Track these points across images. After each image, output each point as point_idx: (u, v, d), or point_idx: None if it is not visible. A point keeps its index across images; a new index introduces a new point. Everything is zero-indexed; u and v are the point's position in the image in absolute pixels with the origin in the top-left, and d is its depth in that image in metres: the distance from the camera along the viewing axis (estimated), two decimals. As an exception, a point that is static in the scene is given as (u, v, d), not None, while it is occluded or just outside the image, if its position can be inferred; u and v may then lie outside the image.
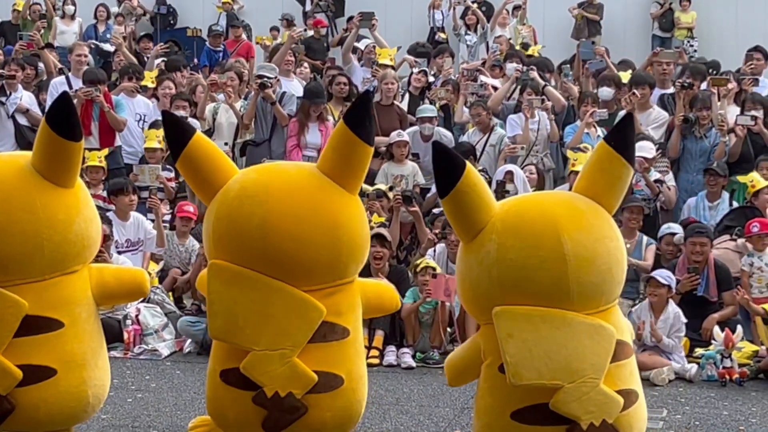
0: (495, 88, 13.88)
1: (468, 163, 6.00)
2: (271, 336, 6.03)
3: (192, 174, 6.34)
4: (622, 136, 6.03)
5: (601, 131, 12.45)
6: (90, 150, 12.01)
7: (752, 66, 13.71)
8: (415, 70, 14.72)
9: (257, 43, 17.94)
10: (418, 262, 10.30)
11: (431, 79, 14.70)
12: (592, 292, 5.86)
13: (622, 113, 12.62)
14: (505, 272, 5.83)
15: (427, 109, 13.12)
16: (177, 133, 6.25)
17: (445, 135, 13.05)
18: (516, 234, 5.86)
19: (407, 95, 14.29)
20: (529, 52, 15.73)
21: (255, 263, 6.07)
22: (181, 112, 13.02)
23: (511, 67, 14.33)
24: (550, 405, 5.75)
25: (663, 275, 9.53)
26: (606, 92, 13.07)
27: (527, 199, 6.47)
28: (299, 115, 12.79)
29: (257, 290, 6.07)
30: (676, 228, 10.73)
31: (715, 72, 14.11)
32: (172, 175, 12.43)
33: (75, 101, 12.65)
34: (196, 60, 17.71)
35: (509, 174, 11.59)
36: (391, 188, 11.64)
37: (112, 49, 16.38)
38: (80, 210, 6.35)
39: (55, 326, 6.21)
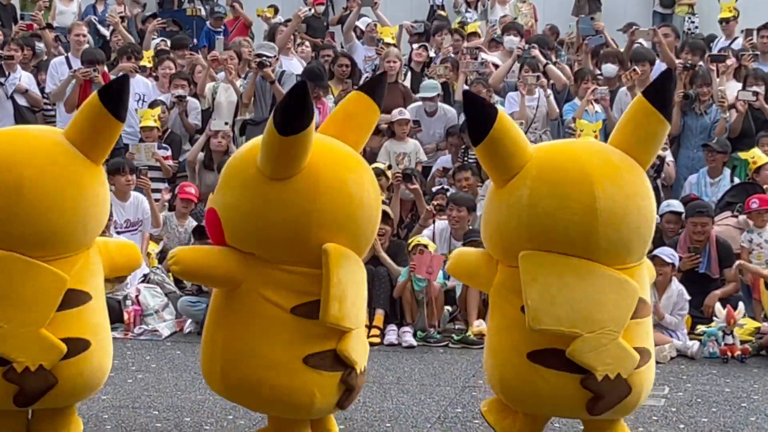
0: (495, 66, 13.81)
1: (500, 109, 6.05)
2: None
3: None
4: (661, 92, 6.09)
5: (599, 108, 12.42)
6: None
7: (765, 42, 13.60)
8: (416, 46, 14.69)
9: (258, 15, 17.86)
10: (411, 240, 10.32)
11: (432, 54, 14.67)
12: (620, 248, 5.93)
13: (623, 90, 12.64)
14: (535, 219, 5.89)
15: (429, 87, 13.07)
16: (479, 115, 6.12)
17: (449, 110, 13.03)
18: (549, 182, 5.92)
19: (409, 73, 14.25)
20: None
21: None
22: (179, 91, 13.03)
23: (508, 40, 14.30)
24: (567, 353, 5.80)
25: (667, 253, 9.50)
26: (610, 69, 13.03)
27: (563, 147, 6.50)
28: None
29: None
30: (676, 205, 10.70)
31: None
32: (169, 153, 12.41)
33: (73, 81, 12.68)
34: (195, 40, 17.63)
35: None
36: (389, 167, 11.62)
37: (107, 31, 16.30)
38: (106, 186, 6.49)
39: (86, 299, 6.28)
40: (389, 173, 11.35)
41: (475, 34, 15.29)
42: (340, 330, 6.09)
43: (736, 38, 14.64)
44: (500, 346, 6.11)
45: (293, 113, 5.83)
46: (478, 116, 6.00)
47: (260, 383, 6.13)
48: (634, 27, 14.48)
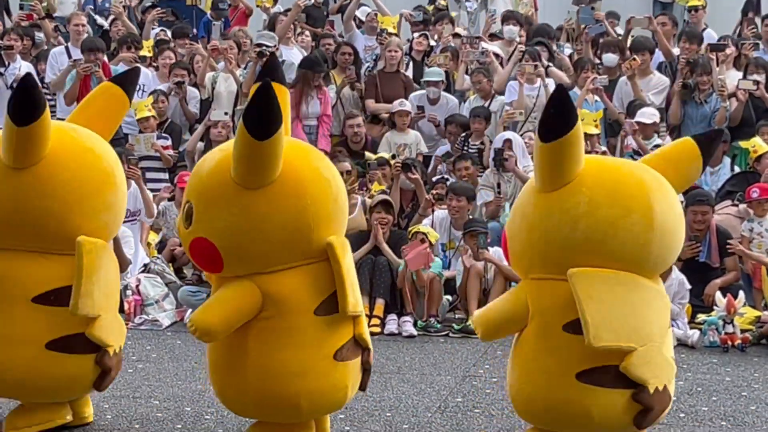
0: (497, 55, 13.77)
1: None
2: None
3: None
4: (710, 146, 6.25)
5: (599, 97, 12.43)
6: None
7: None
8: (416, 35, 14.67)
9: (257, 5, 17.82)
10: (411, 228, 10.33)
11: (432, 43, 14.66)
12: (663, 263, 6.02)
13: (623, 79, 12.63)
14: (594, 226, 5.79)
15: (434, 73, 13.10)
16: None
17: (451, 99, 13.03)
18: (608, 192, 5.86)
19: (411, 62, 14.24)
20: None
21: None
22: (178, 78, 13.03)
23: (507, 29, 14.30)
24: (621, 368, 5.75)
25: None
26: (610, 58, 13.02)
27: (612, 162, 6.51)
28: (299, 85, 12.73)
29: None
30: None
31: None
32: (169, 143, 12.40)
33: (73, 72, 12.66)
34: (195, 30, 17.59)
35: (508, 142, 11.54)
36: (393, 156, 11.63)
37: (106, 22, 16.27)
38: None
39: None
40: (393, 163, 11.36)
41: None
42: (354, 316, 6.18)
43: (705, 28, 14.61)
44: (544, 370, 5.94)
45: (264, 116, 5.78)
46: (562, 116, 5.79)
47: (299, 394, 6.11)
48: (631, 16, 14.47)
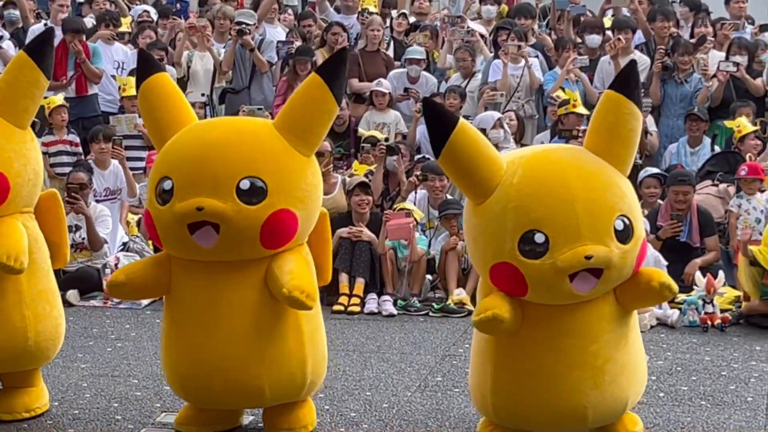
0: (483, 36, 13.73)
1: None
2: None
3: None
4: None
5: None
6: (67, 99, 12.01)
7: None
8: (395, 14, 14.64)
9: None
10: (396, 205, 10.32)
11: (412, 19, 14.65)
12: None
13: (604, 59, 12.62)
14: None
15: (416, 51, 13.08)
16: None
17: (431, 78, 13.02)
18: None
19: (392, 42, 14.20)
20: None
21: None
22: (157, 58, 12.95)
23: (485, 10, 14.30)
24: None
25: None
26: (594, 39, 12.99)
27: (540, 158, 6.06)
28: (289, 76, 12.76)
29: None
30: (654, 169, 10.71)
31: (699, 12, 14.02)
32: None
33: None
34: (177, 5, 17.48)
35: (498, 121, 11.53)
36: (386, 139, 11.61)
37: None
38: None
39: None
40: (378, 146, 11.30)
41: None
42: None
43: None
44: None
45: None
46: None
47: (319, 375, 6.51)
48: None
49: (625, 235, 5.72)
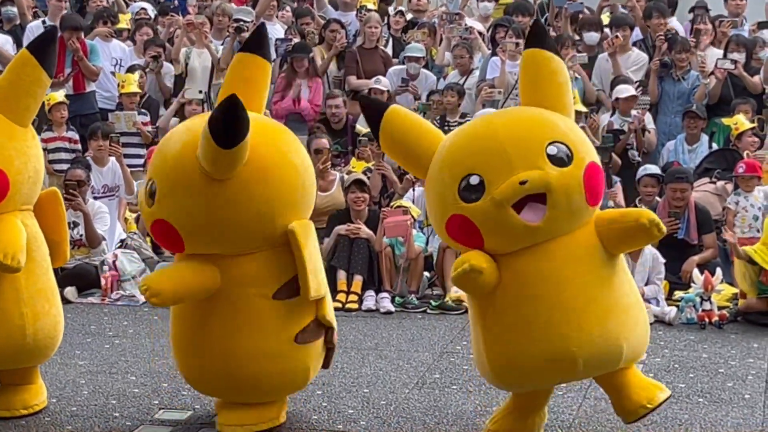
0: (480, 33, 13.73)
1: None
2: None
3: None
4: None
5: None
6: (67, 96, 12.01)
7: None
8: (392, 11, 14.64)
9: None
10: (393, 203, 10.32)
11: (409, 16, 14.64)
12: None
13: (602, 56, 12.62)
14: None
15: (415, 48, 13.07)
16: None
17: (430, 76, 13.00)
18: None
19: (390, 40, 14.19)
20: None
21: None
22: (154, 54, 12.96)
23: (482, 6, 14.30)
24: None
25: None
26: (592, 37, 12.98)
27: (471, 122, 6.58)
28: (287, 72, 12.75)
29: None
30: (653, 168, 10.71)
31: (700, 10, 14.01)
32: (148, 119, 12.33)
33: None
34: (176, 1, 17.47)
35: None
36: None
37: None
38: None
39: None
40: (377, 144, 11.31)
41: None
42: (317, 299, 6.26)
43: None
44: None
45: (231, 128, 5.77)
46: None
47: (258, 376, 6.26)
48: None
49: (560, 158, 5.78)
